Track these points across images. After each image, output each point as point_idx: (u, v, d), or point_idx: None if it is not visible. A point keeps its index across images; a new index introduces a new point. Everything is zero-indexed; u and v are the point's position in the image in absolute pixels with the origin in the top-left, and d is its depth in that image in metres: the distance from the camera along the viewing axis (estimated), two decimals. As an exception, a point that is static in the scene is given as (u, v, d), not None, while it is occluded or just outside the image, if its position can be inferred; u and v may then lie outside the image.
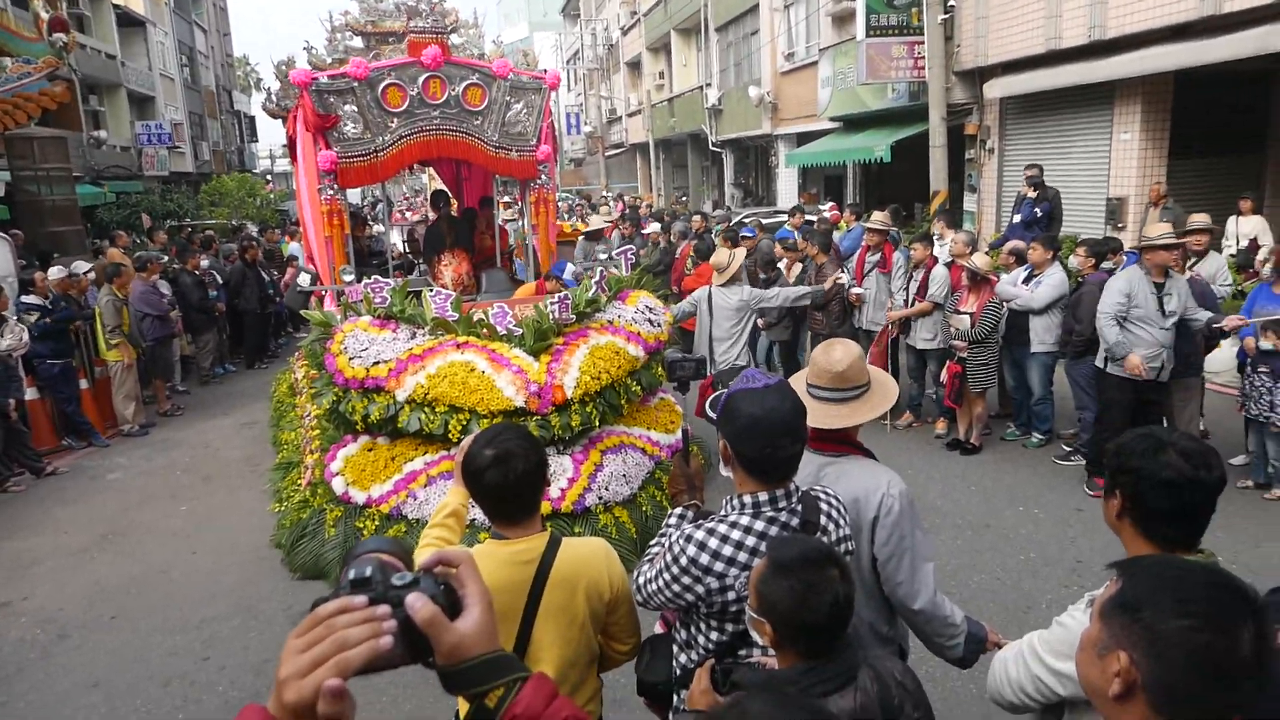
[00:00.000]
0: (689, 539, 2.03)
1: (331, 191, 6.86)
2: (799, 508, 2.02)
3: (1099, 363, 5.93)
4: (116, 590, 5.38)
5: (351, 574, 0.97)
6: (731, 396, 2.05)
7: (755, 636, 1.76)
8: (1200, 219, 6.93)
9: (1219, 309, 6.05)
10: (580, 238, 9.55)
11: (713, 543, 2.00)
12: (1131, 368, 5.60)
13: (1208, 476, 1.72)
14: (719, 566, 1.98)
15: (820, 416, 2.35)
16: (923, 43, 12.90)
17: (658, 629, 2.36)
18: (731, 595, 1.99)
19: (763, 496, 2.01)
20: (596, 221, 10.41)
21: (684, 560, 2.01)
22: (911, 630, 2.39)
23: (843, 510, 2.11)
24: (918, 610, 2.30)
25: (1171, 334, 5.63)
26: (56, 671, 4.50)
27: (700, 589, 2.00)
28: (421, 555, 2.20)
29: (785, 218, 14.93)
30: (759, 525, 1.99)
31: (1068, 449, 6.68)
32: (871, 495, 2.28)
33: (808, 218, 11.90)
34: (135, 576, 5.56)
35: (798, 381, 2.49)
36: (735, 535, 1.99)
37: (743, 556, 1.98)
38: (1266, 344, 5.66)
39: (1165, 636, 1.15)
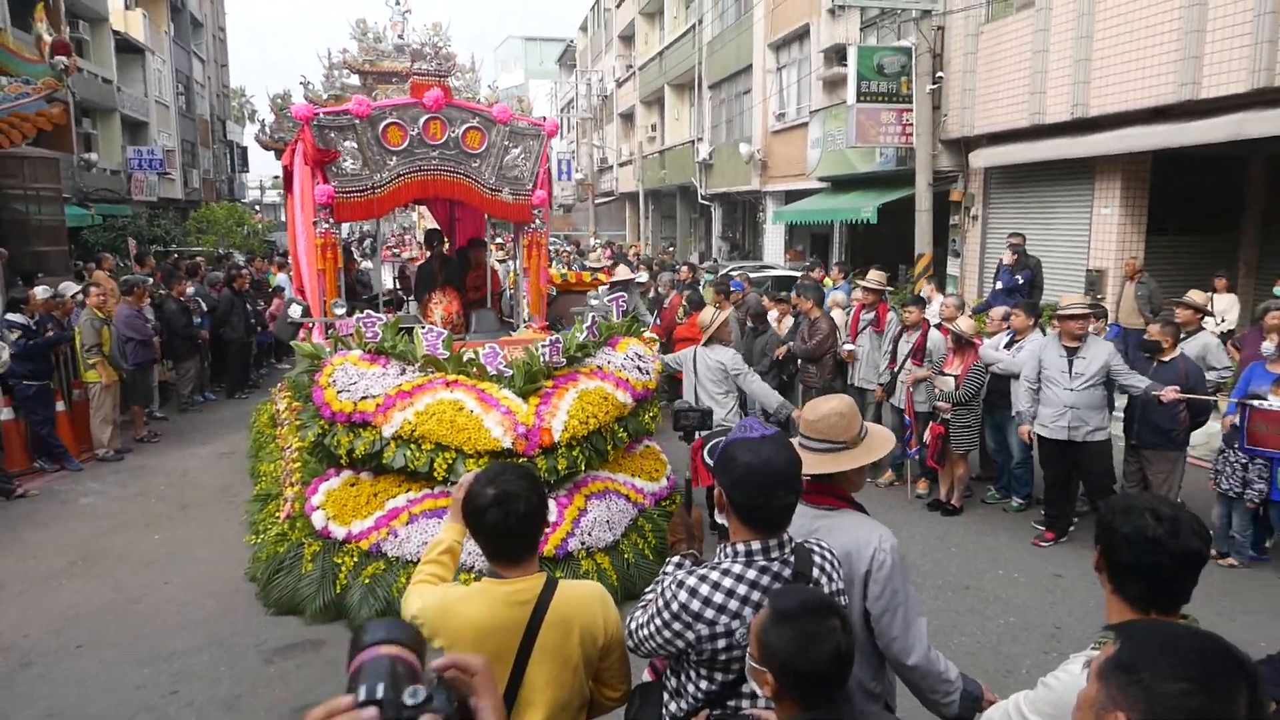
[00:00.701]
0: (681, 585, 2.05)
1: (326, 225, 6.90)
2: (791, 559, 2.05)
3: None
4: (85, 618, 5.25)
5: (362, 693, 0.96)
6: (728, 445, 2.09)
7: (755, 687, 1.77)
8: (1194, 296, 7.10)
9: (1205, 389, 6.16)
10: (604, 288, 9.20)
11: (704, 589, 2.02)
12: (1021, 434, 6.50)
13: (1172, 542, 1.73)
14: (709, 614, 1.99)
15: (807, 463, 2.40)
16: (911, 110, 13.25)
17: (646, 676, 2.36)
18: (721, 644, 2.00)
19: (755, 546, 2.03)
20: (623, 271, 9.79)
21: (675, 606, 2.03)
22: (907, 686, 2.40)
23: (836, 564, 2.13)
24: (913, 666, 2.31)
25: (1084, 396, 5.99)
26: (16, 701, 4.37)
27: (690, 635, 2.01)
28: (418, 590, 2.21)
29: (772, 272, 15.15)
30: (750, 574, 2.02)
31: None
32: (864, 549, 2.31)
33: (795, 273, 12.08)
34: (105, 605, 5.43)
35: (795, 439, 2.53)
36: (727, 583, 2.01)
37: (733, 605, 1.99)
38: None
39: (1162, 699, 1.18)
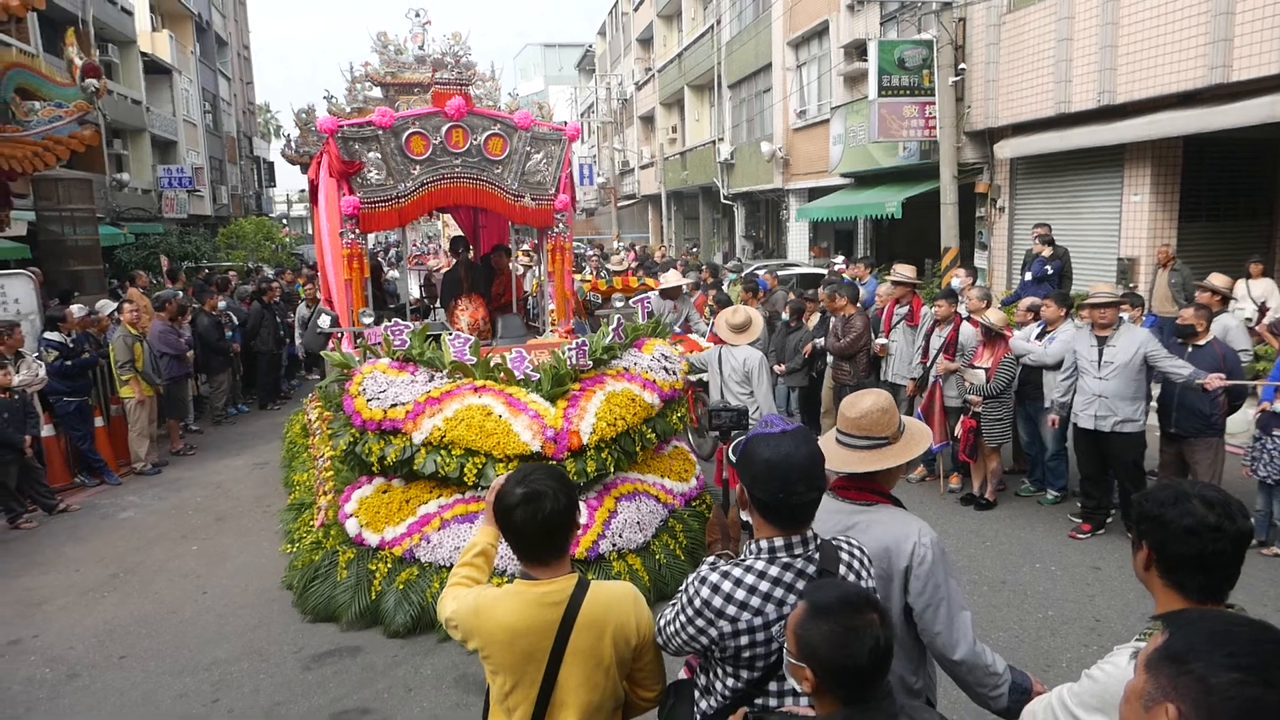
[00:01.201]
0: (703, 581, 2.05)
1: (353, 235, 6.97)
2: (816, 555, 2.02)
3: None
4: (126, 630, 5.34)
5: None
6: (749, 441, 2.08)
7: (794, 684, 1.75)
8: (1216, 279, 6.95)
9: (1241, 373, 6.05)
10: (653, 294, 8.72)
11: (726, 586, 2.01)
12: (1048, 423, 6.57)
13: (1230, 525, 1.71)
14: (731, 610, 1.99)
15: (847, 461, 2.37)
16: (934, 103, 13.13)
17: (682, 674, 2.35)
18: (744, 640, 1.99)
19: (779, 542, 2.02)
20: (672, 278, 9.21)
21: (697, 603, 2.03)
22: (954, 680, 2.36)
23: (867, 561, 2.10)
24: (959, 660, 2.28)
25: (1113, 384, 5.90)
26: (64, 712, 4.46)
27: (714, 632, 2.01)
28: (452, 593, 2.23)
29: (796, 270, 15.06)
30: (773, 571, 2.00)
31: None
32: (903, 544, 2.28)
33: (820, 270, 11.99)
34: (145, 616, 5.53)
35: (830, 433, 2.51)
36: (749, 580, 2.00)
37: (755, 601, 1.98)
38: (1280, 405, 5.65)
39: (1216, 689, 1.14)
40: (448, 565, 5.14)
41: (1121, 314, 6.20)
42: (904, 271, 7.96)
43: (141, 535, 7.05)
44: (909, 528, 2.32)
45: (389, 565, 5.25)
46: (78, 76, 10.57)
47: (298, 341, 12.55)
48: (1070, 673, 4.20)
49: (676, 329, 8.37)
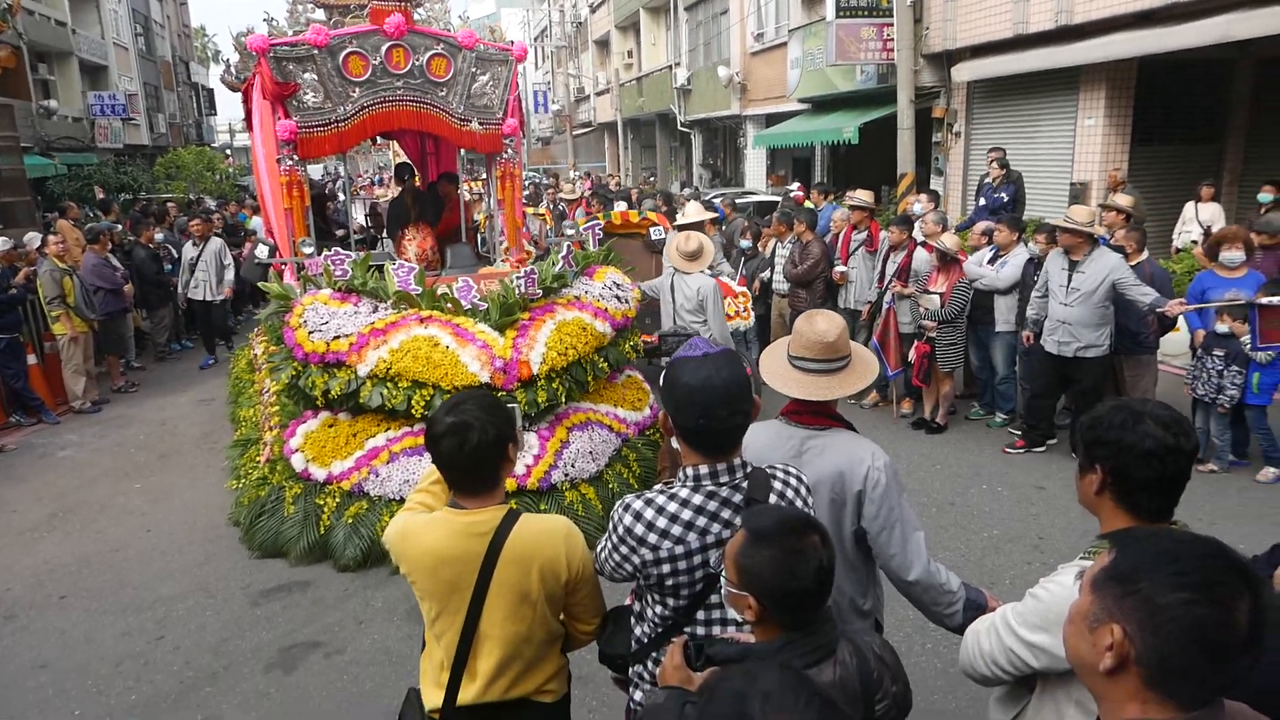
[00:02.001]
0: (627, 508, 2.01)
1: (291, 162, 6.66)
2: (744, 484, 1.96)
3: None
4: (66, 569, 5.22)
5: None
6: (671, 365, 2.01)
7: (735, 614, 1.71)
8: (1121, 199, 7.13)
9: (1170, 292, 6.15)
10: (671, 233, 7.75)
11: (649, 513, 1.96)
12: (1023, 339, 6.53)
13: (1186, 444, 1.70)
14: (652, 538, 1.95)
15: (808, 388, 2.31)
16: (892, 25, 12.89)
17: (628, 601, 2.32)
18: (666, 569, 1.95)
19: (704, 470, 1.96)
20: (693, 212, 7.95)
21: (620, 530, 2.00)
22: (910, 601, 2.36)
23: (804, 489, 2.04)
24: (913, 581, 2.27)
25: (1076, 311, 5.85)
26: (2, 653, 4.35)
27: (636, 560, 1.97)
28: (406, 516, 2.17)
29: (754, 198, 14.91)
30: (696, 499, 1.95)
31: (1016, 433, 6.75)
32: (857, 468, 2.25)
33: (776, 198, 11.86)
34: (86, 555, 5.40)
35: (776, 353, 2.44)
36: (671, 507, 1.95)
37: (676, 530, 1.94)
38: (1223, 326, 5.74)
39: (1162, 609, 1.11)
40: (397, 498, 5.07)
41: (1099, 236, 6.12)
42: (861, 197, 7.86)
43: (82, 474, 6.86)
44: (862, 451, 2.28)
45: (337, 499, 5.16)
46: (-12, -8, 9.92)
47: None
48: (1013, 590, 4.29)
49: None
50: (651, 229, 8.22)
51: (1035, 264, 6.57)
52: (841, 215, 8.41)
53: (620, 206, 12.22)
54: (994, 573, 4.72)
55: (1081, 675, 1.26)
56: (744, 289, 7.90)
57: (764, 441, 2.33)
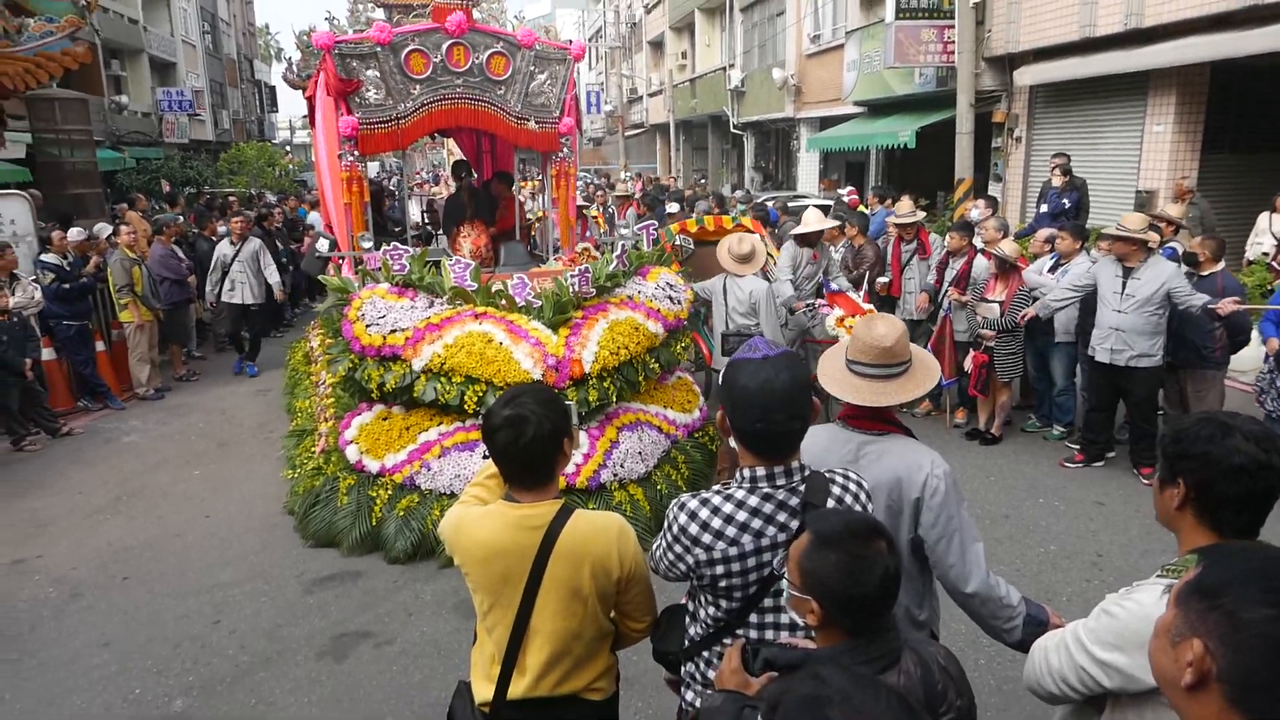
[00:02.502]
0: (682, 507, 2.00)
1: (352, 158, 6.78)
2: (801, 487, 1.94)
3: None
4: (130, 552, 5.37)
5: None
6: (730, 366, 2.00)
7: (795, 618, 1.69)
8: (1172, 209, 6.96)
9: (1246, 298, 5.98)
10: (788, 242, 7.08)
11: (704, 513, 1.96)
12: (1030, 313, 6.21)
13: (1278, 460, 1.63)
14: (706, 538, 1.94)
15: (865, 394, 2.28)
16: (953, 27, 12.66)
17: (683, 599, 2.31)
18: (720, 569, 1.94)
19: (760, 472, 1.94)
20: (813, 219, 6.92)
21: (675, 529, 1.99)
22: (967, 614, 2.32)
23: (863, 494, 2.01)
24: (971, 593, 2.22)
25: (1130, 319, 5.70)
26: (68, 630, 4.50)
27: (690, 559, 1.96)
28: (461, 509, 2.18)
29: (806, 202, 14.78)
30: (752, 501, 1.93)
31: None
32: (915, 474, 2.21)
33: (829, 202, 11.76)
34: (149, 539, 5.55)
35: (834, 357, 2.41)
36: (727, 508, 1.94)
37: (731, 531, 1.92)
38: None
39: (1244, 625, 1.08)
40: (448, 493, 5.12)
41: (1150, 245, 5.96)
42: (903, 210, 7.71)
43: (145, 459, 7.06)
44: (921, 458, 2.24)
45: (389, 492, 5.23)
46: (68, -10, 10.26)
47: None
48: (1071, 607, 4.18)
49: (830, 285, 6.89)
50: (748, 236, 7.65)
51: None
52: (892, 220, 8.29)
53: (672, 208, 12.24)
54: (1051, 589, 4.60)
55: (1165, 692, 1.22)
56: (869, 305, 7.03)
57: (821, 445, 2.30)
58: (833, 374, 2.37)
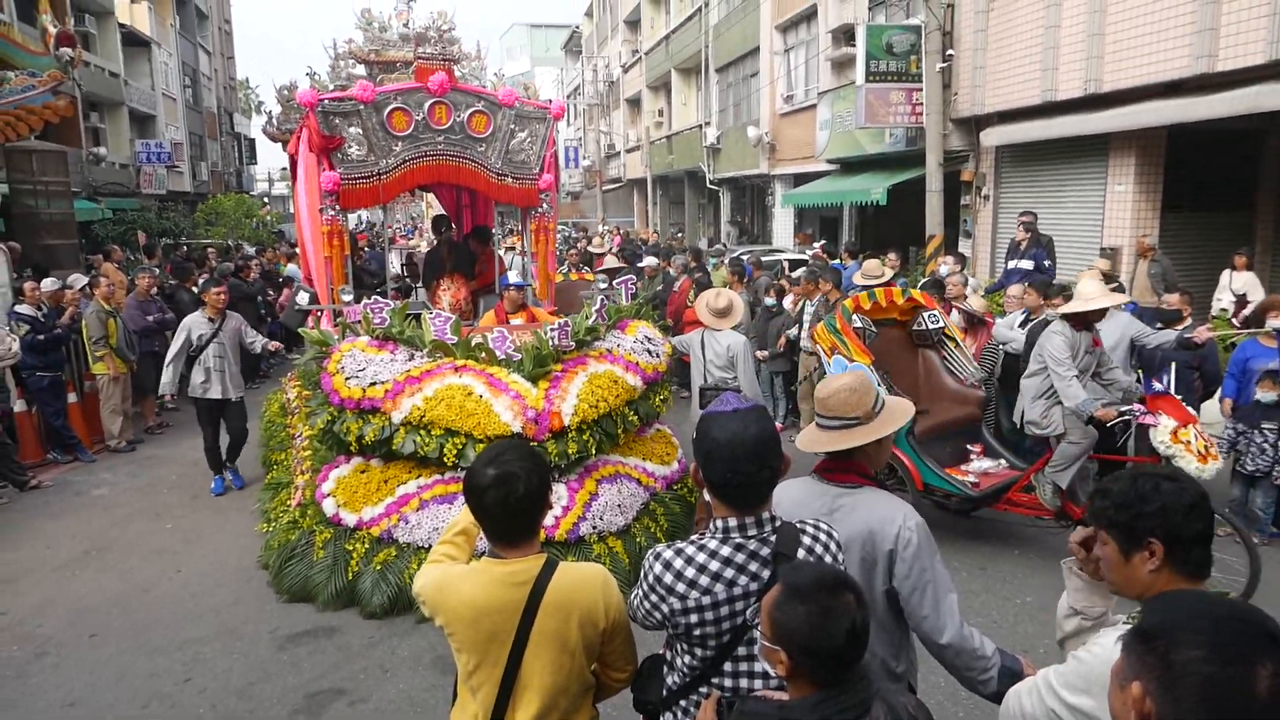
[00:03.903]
0: (657, 557, 2.06)
1: (333, 212, 6.86)
2: (772, 537, 2.00)
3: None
4: (98, 608, 5.26)
5: None
6: (702, 419, 2.08)
7: (768, 668, 1.72)
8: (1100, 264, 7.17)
9: (1216, 358, 6.12)
10: (1057, 324, 5.54)
11: (677, 563, 2.01)
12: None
13: (1200, 493, 1.73)
14: (680, 587, 1.99)
15: (817, 441, 2.36)
16: (921, 90, 13.09)
17: (662, 649, 2.33)
18: (694, 619, 1.99)
19: (732, 522, 2.01)
20: (1095, 291, 5.44)
21: (650, 578, 2.05)
22: (943, 665, 2.34)
23: (834, 545, 2.06)
24: (946, 644, 2.25)
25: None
26: (33, 690, 4.38)
27: (665, 608, 2.01)
28: (430, 570, 2.19)
29: (781, 256, 15.04)
30: (724, 551, 1.99)
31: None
32: (887, 527, 2.25)
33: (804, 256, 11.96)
34: (118, 594, 5.45)
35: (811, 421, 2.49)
36: (700, 558, 2.00)
37: (704, 580, 1.98)
38: (1269, 395, 5.66)
39: (1176, 666, 1.13)
40: (426, 546, 5.09)
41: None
42: (870, 269, 7.89)
43: (115, 512, 6.95)
44: (894, 511, 2.29)
45: (366, 545, 5.19)
46: (51, 45, 10.37)
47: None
48: (1048, 659, 4.19)
49: (1151, 386, 5.57)
50: (926, 315, 6.26)
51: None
52: (860, 276, 8.44)
53: (650, 262, 12.38)
54: (1027, 640, 4.63)
55: None
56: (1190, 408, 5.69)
57: (795, 498, 2.36)
58: (807, 434, 2.44)
